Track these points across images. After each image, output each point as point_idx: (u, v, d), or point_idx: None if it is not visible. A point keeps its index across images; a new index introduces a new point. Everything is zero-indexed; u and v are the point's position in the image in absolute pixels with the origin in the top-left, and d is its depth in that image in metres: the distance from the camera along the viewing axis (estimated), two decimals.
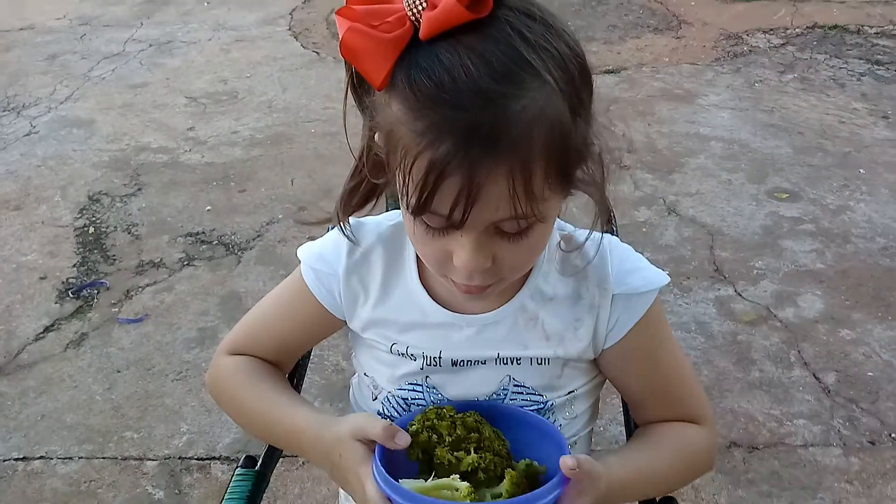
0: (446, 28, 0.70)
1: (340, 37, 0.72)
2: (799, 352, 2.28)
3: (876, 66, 4.14)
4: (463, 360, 0.92)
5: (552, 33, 0.73)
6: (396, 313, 0.94)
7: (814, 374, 2.20)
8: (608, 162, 0.80)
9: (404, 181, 0.73)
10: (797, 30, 4.63)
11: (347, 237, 0.93)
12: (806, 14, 4.83)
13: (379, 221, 0.97)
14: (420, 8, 0.70)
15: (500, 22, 0.71)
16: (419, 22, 0.71)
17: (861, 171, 3.19)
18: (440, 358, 0.92)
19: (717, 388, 2.15)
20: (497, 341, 0.92)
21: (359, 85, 0.80)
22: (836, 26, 4.64)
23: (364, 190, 0.89)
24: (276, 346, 1.02)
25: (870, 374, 2.19)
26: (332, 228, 1.00)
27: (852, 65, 4.16)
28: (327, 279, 0.96)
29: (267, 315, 1.03)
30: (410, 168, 0.71)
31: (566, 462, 0.77)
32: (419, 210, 0.74)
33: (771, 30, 4.64)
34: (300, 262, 0.99)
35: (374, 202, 0.91)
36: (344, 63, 0.81)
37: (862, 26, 4.64)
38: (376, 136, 0.80)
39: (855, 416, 2.06)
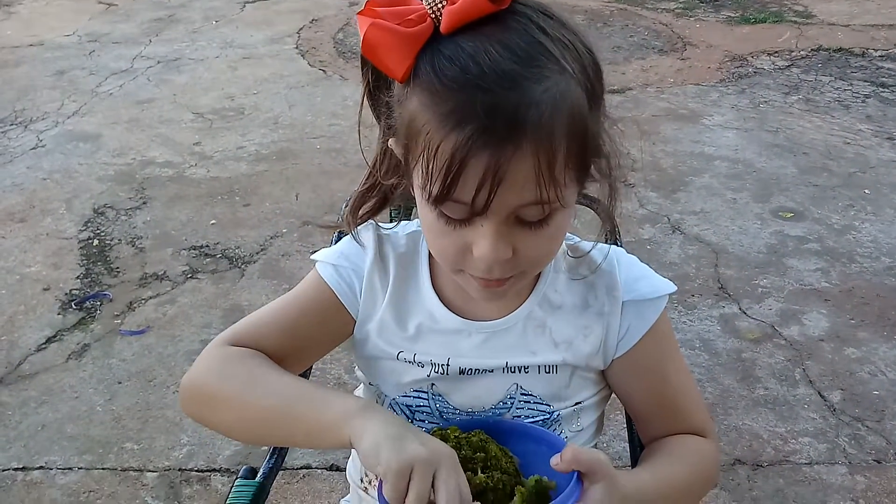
0: (467, 21, 0.73)
1: (362, 35, 0.74)
2: (804, 370, 2.26)
3: (881, 89, 4.15)
4: (471, 369, 0.92)
5: (567, 29, 0.77)
6: (406, 317, 0.94)
7: (819, 393, 2.18)
8: (616, 161, 0.81)
9: (427, 168, 0.73)
10: (802, 52, 4.65)
11: (354, 238, 0.93)
12: (810, 37, 4.85)
13: (396, 230, 0.97)
14: (441, 5, 0.74)
15: (519, 15, 0.74)
16: (439, 20, 0.74)
17: (866, 191, 3.18)
18: (447, 366, 0.92)
19: (722, 406, 2.13)
20: (505, 349, 0.91)
21: (375, 89, 0.82)
22: (840, 49, 4.66)
23: (376, 194, 0.91)
24: (281, 337, 0.91)
25: (875, 392, 2.18)
26: (339, 236, 1.00)
27: (857, 87, 4.17)
28: (348, 274, 0.94)
29: (273, 310, 0.95)
30: (435, 152, 0.72)
31: (551, 462, 0.76)
32: (443, 197, 0.74)
33: (776, 52, 4.66)
34: (316, 262, 0.96)
35: (385, 209, 0.93)
36: (361, 68, 0.83)
37: (867, 49, 4.66)
38: (393, 136, 0.81)
39: (860, 434, 2.04)
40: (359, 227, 0.95)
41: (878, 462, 1.97)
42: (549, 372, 0.92)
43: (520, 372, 0.92)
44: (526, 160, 0.71)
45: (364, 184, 0.91)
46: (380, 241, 0.95)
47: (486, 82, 0.70)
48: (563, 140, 0.73)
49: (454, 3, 0.73)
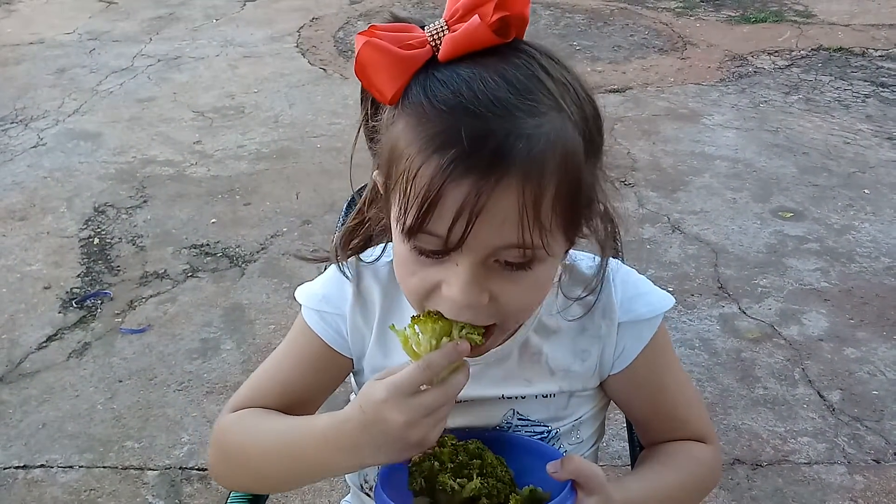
0: (467, 50, 0.70)
1: (356, 53, 0.71)
2: (803, 370, 2.27)
3: (881, 89, 4.15)
4: (466, 399, 0.89)
5: (571, 75, 0.73)
6: (395, 352, 0.90)
7: (818, 392, 2.18)
8: (611, 225, 0.78)
9: (405, 194, 0.69)
10: (802, 52, 4.65)
11: (345, 274, 0.91)
12: (811, 36, 4.86)
13: (379, 257, 0.94)
14: (442, 33, 0.71)
15: (522, 52, 0.72)
16: (438, 47, 0.71)
17: (866, 191, 3.19)
18: None
19: (721, 405, 2.14)
20: (500, 380, 0.89)
21: (374, 121, 0.79)
22: (840, 49, 4.66)
23: (364, 231, 0.88)
24: (281, 393, 0.93)
25: (874, 392, 2.18)
26: (327, 268, 0.98)
27: (857, 87, 4.17)
28: (333, 319, 0.93)
29: (269, 366, 0.96)
30: (414, 177, 0.68)
31: (548, 468, 0.76)
32: (417, 227, 0.70)
33: (776, 51, 4.66)
34: (300, 305, 0.95)
35: (373, 246, 0.90)
36: (361, 99, 0.80)
37: (867, 49, 4.66)
38: (377, 171, 0.78)
39: (860, 434, 2.05)
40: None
41: (877, 462, 1.97)
42: (546, 397, 0.91)
43: (516, 399, 0.91)
44: (509, 194, 0.67)
45: (353, 219, 0.89)
46: (360, 276, 0.92)
47: (478, 107, 0.66)
48: (552, 180, 0.68)
49: (455, 31, 0.70)
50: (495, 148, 0.66)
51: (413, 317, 0.76)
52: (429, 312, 0.75)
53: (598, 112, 0.75)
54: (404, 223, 0.70)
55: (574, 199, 0.72)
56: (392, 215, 0.75)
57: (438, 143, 0.67)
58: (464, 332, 0.75)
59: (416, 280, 0.75)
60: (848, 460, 1.97)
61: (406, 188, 0.69)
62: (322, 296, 0.93)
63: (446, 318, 0.75)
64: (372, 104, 0.79)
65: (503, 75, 0.69)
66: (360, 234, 0.89)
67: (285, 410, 0.92)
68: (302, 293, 0.95)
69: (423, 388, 0.73)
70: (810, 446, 2.01)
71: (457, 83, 0.68)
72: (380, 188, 0.79)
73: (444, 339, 0.74)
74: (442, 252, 0.71)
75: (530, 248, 0.70)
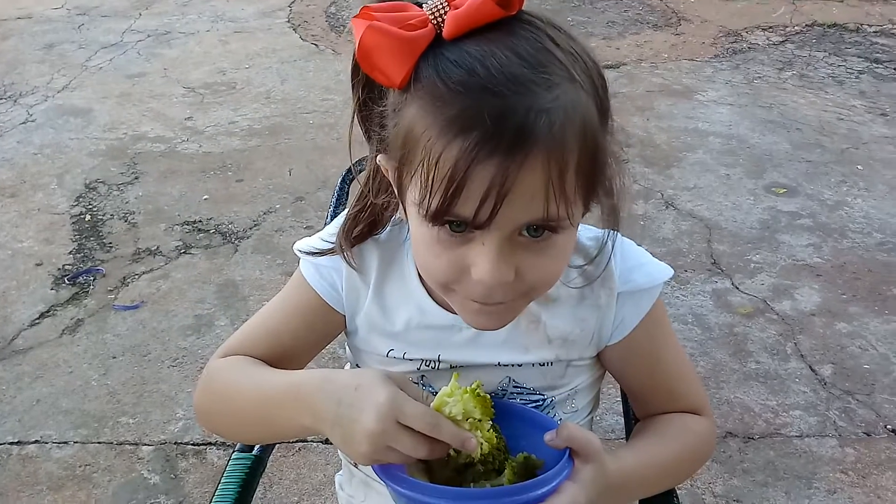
0: (472, 26, 0.69)
1: (357, 39, 0.70)
2: (795, 344, 2.28)
3: (875, 65, 4.14)
4: (462, 364, 0.90)
5: (576, 42, 0.73)
6: (393, 311, 0.91)
7: (810, 367, 2.20)
8: (620, 185, 0.78)
9: (427, 179, 0.69)
10: (796, 28, 4.63)
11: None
12: (805, 12, 4.84)
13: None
14: (443, 11, 0.70)
15: (527, 24, 0.71)
16: (441, 25, 0.70)
17: (859, 167, 3.19)
18: (439, 361, 0.91)
19: (714, 380, 2.15)
20: (497, 345, 0.89)
21: (368, 102, 0.78)
22: (835, 24, 4.65)
23: (367, 217, 0.88)
24: (269, 344, 0.93)
25: (866, 366, 2.20)
26: (330, 223, 0.97)
27: (851, 63, 4.16)
28: (329, 273, 0.92)
29: (262, 316, 0.96)
30: (436, 161, 0.68)
31: (545, 438, 0.77)
32: (443, 212, 0.69)
33: (770, 27, 4.64)
34: (300, 260, 0.95)
35: (376, 232, 0.90)
36: (352, 82, 0.79)
37: (861, 25, 4.65)
38: (384, 152, 0.78)
39: (851, 407, 2.07)
40: (334, 221, 0.94)
41: (868, 435, 1.99)
42: (543, 366, 0.91)
43: (512, 367, 0.91)
44: (535, 171, 0.67)
45: (356, 205, 0.88)
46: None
47: (496, 86, 0.66)
48: (574, 150, 0.69)
49: (458, 8, 0.69)
50: (518, 126, 0.66)
51: (467, 388, 0.76)
52: (477, 393, 0.76)
53: (604, 77, 0.75)
54: (428, 207, 0.70)
55: (593, 165, 0.72)
56: (408, 200, 0.74)
57: (459, 125, 0.67)
58: (480, 434, 0.76)
59: (442, 263, 0.75)
60: (839, 433, 1.99)
61: (428, 173, 0.69)
62: (320, 248, 0.94)
63: (487, 403, 0.76)
64: (366, 89, 0.78)
65: (514, 50, 0.68)
66: (363, 220, 0.88)
67: (274, 361, 0.92)
68: (302, 243, 0.95)
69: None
70: (802, 419, 2.03)
71: (469, 62, 0.67)
72: (388, 173, 0.78)
73: (467, 423, 0.75)
74: (465, 233, 0.72)
75: (555, 220, 0.70)
